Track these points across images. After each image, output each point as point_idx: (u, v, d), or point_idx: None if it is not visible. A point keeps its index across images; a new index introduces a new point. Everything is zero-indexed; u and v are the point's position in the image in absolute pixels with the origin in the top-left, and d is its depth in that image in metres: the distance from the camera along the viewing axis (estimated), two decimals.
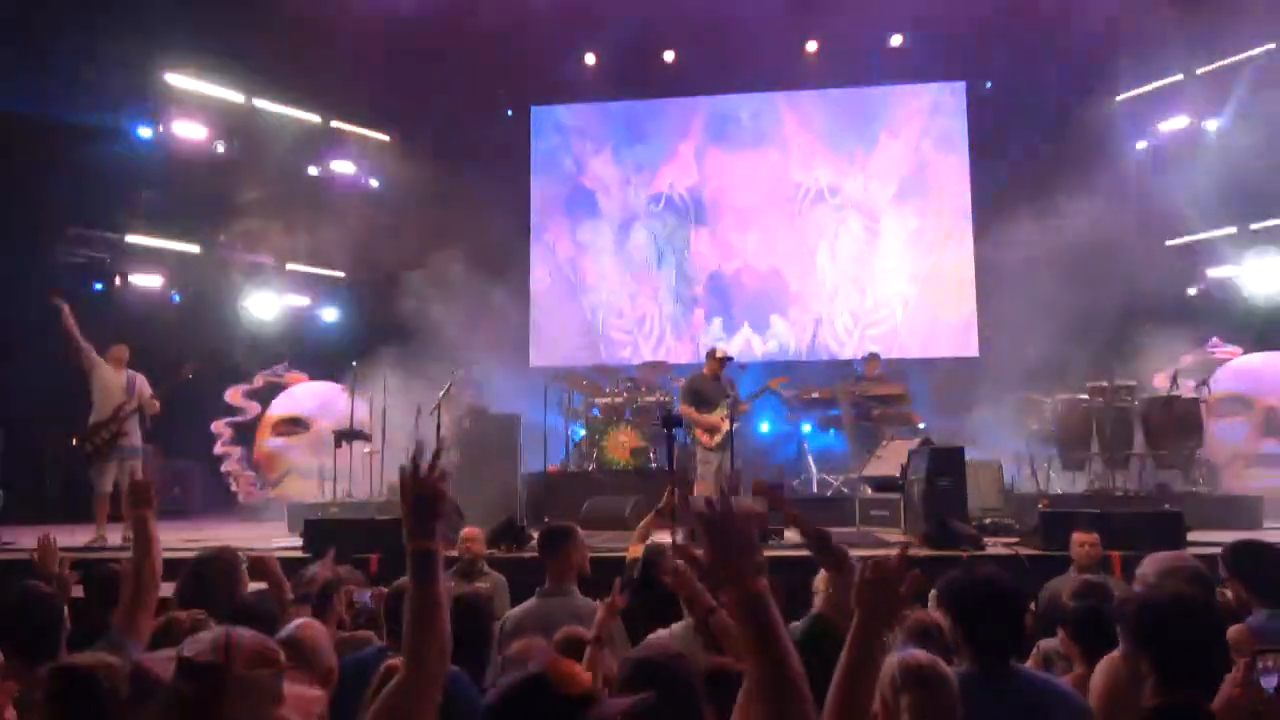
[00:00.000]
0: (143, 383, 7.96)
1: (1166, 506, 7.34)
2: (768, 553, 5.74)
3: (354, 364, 10.38)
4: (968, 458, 7.23)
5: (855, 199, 12.71)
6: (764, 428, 11.87)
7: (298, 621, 2.69)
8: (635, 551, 4.44)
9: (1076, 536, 4.95)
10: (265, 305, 12.19)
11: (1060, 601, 3.45)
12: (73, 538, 7.30)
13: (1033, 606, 4.38)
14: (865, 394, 9.74)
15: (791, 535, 7.26)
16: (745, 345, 12.47)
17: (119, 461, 7.71)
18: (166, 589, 3.42)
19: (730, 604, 1.53)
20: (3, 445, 9.77)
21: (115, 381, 7.82)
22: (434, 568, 1.87)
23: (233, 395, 11.55)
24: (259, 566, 3.56)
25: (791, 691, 1.53)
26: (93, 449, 7.65)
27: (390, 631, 3.15)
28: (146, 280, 11.54)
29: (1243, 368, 10.28)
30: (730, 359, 8.96)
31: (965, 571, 2.75)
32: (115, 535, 7.53)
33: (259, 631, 2.07)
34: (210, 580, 3.33)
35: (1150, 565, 3.14)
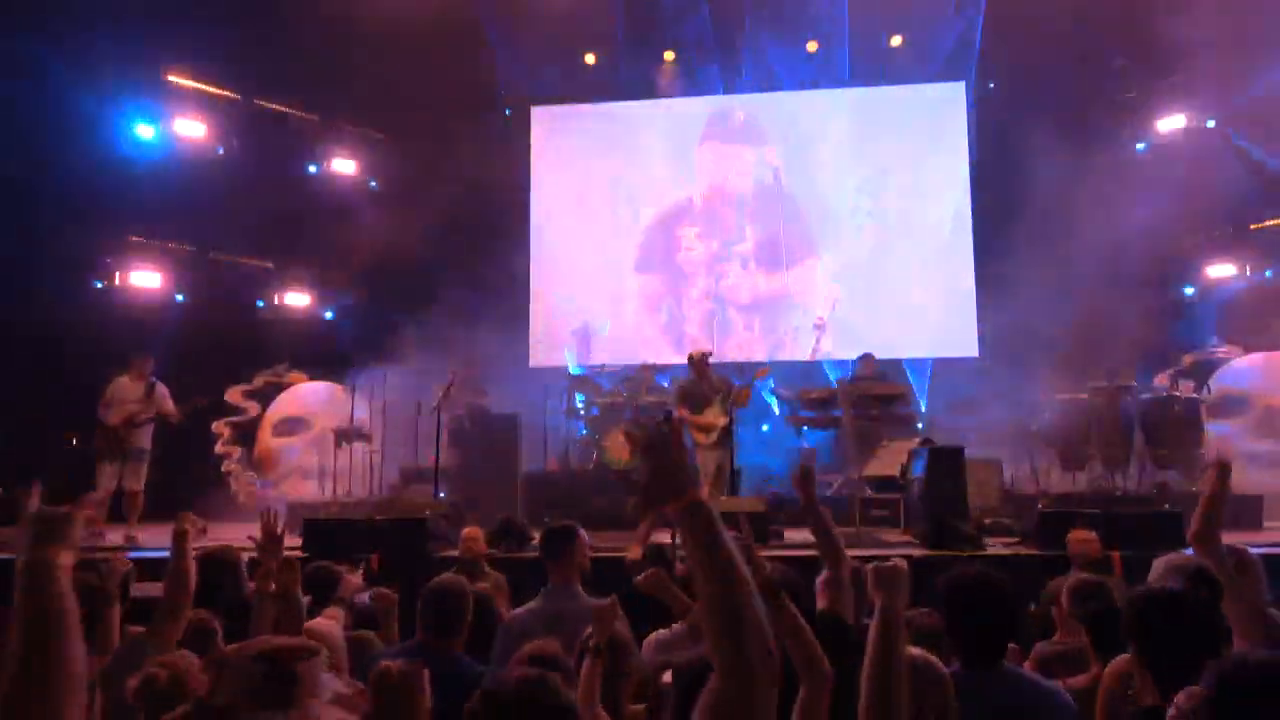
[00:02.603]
0: (163, 392, 8.12)
1: (1166, 506, 7.35)
2: (768, 552, 5.75)
3: (355, 362, 10.38)
4: (968, 458, 7.23)
5: (854, 199, 12.71)
6: (764, 428, 11.88)
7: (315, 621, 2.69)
8: (635, 553, 4.45)
9: (1075, 535, 4.96)
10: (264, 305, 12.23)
11: (1079, 602, 3.44)
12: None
13: (1032, 608, 4.38)
14: (865, 394, 9.74)
15: (792, 535, 7.26)
16: (745, 346, 12.47)
17: (123, 463, 7.84)
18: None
19: (675, 520, 1.51)
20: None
21: (131, 391, 8.01)
22: None
23: (233, 395, 11.54)
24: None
25: (743, 613, 1.41)
26: (98, 448, 7.82)
27: (428, 629, 3.14)
28: (146, 280, 11.55)
29: (1243, 368, 10.28)
30: (709, 354, 8.97)
31: (956, 571, 2.74)
32: (116, 535, 7.56)
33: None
34: (214, 580, 3.34)
35: (1155, 567, 3.15)
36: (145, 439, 8.06)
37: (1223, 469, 2.95)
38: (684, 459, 1.53)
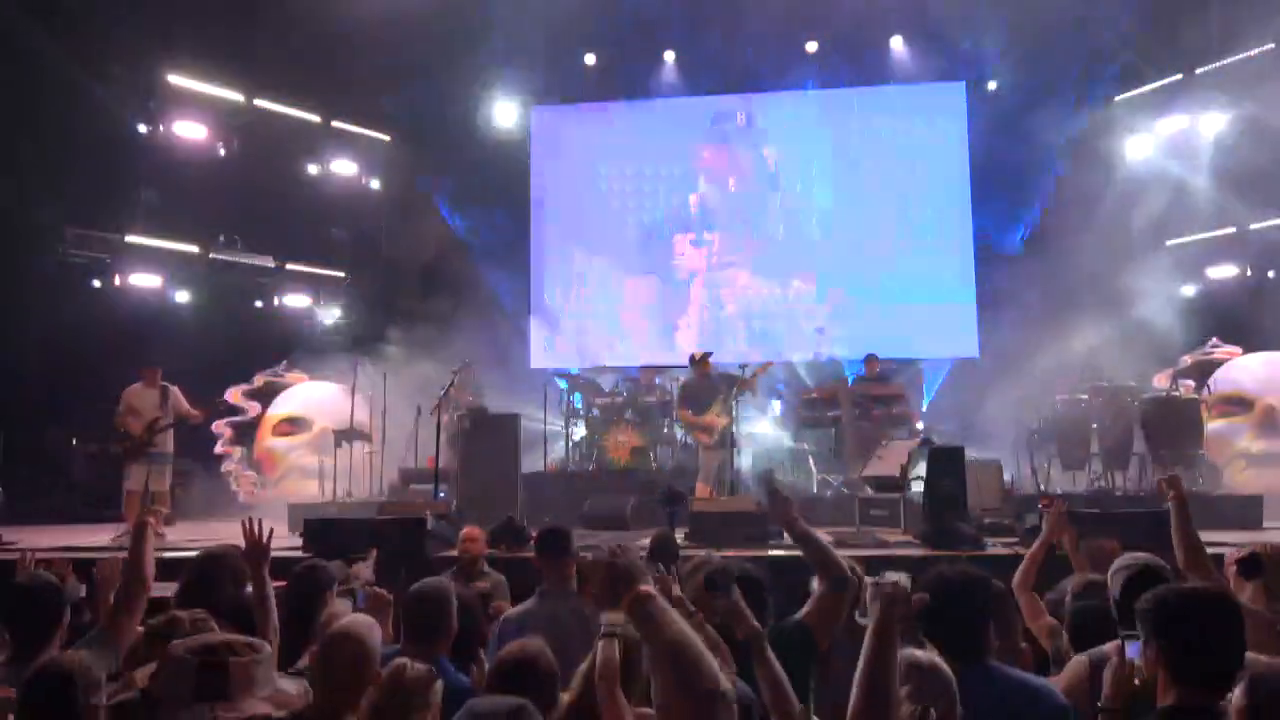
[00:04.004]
0: (177, 396, 8.35)
1: (1166, 507, 7.32)
2: (767, 553, 5.74)
3: (355, 363, 10.38)
4: (968, 458, 7.22)
5: (854, 199, 12.70)
6: (764, 428, 11.85)
7: (351, 617, 2.63)
8: None
9: (1101, 543, 4.86)
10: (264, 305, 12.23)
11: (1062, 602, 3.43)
12: (72, 537, 7.34)
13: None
14: (865, 394, 9.74)
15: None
16: (744, 347, 12.46)
17: (148, 466, 8.05)
18: (168, 588, 3.44)
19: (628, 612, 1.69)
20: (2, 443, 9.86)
21: (148, 398, 8.21)
22: None
23: (233, 395, 11.53)
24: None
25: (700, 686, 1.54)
26: (122, 451, 8.11)
27: (409, 634, 3.10)
28: (146, 280, 11.55)
29: (1243, 368, 10.27)
30: (710, 354, 8.99)
31: (940, 570, 2.72)
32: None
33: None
34: (213, 579, 3.33)
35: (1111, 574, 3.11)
36: (168, 443, 8.32)
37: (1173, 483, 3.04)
38: (633, 567, 1.73)
